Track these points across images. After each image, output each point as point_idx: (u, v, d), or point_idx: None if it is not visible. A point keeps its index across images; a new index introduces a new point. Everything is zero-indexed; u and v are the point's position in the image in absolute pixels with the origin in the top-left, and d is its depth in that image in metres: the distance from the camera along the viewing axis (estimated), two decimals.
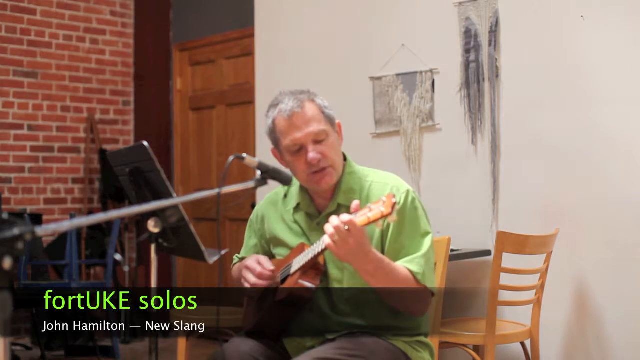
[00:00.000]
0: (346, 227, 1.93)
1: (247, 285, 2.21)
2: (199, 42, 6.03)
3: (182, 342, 3.72)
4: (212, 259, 2.19)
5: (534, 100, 3.62)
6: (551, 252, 3.37)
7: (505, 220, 3.68)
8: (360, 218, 1.92)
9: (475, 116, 3.80)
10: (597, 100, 3.42)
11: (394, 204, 1.84)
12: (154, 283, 2.16)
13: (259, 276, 2.18)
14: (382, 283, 2.06)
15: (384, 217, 1.87)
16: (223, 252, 2.17)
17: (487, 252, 3.67)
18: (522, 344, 3.42)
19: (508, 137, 3.70)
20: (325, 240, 1.98)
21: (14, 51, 5.72)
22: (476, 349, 3.33)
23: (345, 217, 1.94)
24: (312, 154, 2.14)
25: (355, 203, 1.97)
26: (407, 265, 2.11)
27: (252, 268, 2.20)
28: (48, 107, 5.89)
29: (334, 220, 1.95)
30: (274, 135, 2.23)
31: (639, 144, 3.32)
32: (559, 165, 3.54)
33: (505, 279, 3.18)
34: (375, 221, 1.89)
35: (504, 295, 3.27)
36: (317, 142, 2.16)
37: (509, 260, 3.19)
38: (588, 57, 3.45)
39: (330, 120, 2.21)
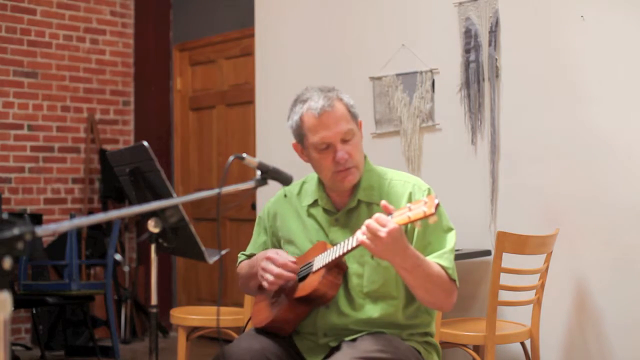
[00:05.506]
0: (382, 226, 1.92)
1: (267, 275, 2.16)
2: (199, 42, 6.03)
3: (182, 342, 3.72)
4: (212, 259, 2.18)
5: (533, 100, 3.62)
6: (551, 252, 3.37)
7: (505, 220, 3.68)
8: (399, 217, 1.92)
9: (475, 116, 3.80)
10: (597, 100, 3.42)
11: (437, 205, 1.85)
12: (154, 283, 2.16)
13: (283, 266, 2.15)
14: (420, 279, 2.07)
15: (427, 217, 1.87)
16: (223, 252, 2.16)
17: (487, 252, 3.67)
18: (522, 344, 3.42)
19: (508, 137, 3.70)
20: (359, 237, 1.97)
21: (14, 51, 5.72)
22: (476, 349, 3.33)
23: (381, 216, 1.93)
24: (340, 153, 2.16)
25: (383, 202, 1.98)
26: (438, 261, 2.13)
27: (274, 258, 2.17)
28: (48, 107, 5.88)
29: (369, 219, 1.95)
30: (300, 131, 2.22)
31: (639, 143, 3.32)
32: (558, 165, 3.54)
33: (505, 279, 3.18)
34: (415, 221, 1.89)
35: (504, 295, 3.27)
36: (344, 141, 2.18)
37: (509, 260, 3.19)
38: (588, 57, 3.45)
39: (355, 118, 2.25)
